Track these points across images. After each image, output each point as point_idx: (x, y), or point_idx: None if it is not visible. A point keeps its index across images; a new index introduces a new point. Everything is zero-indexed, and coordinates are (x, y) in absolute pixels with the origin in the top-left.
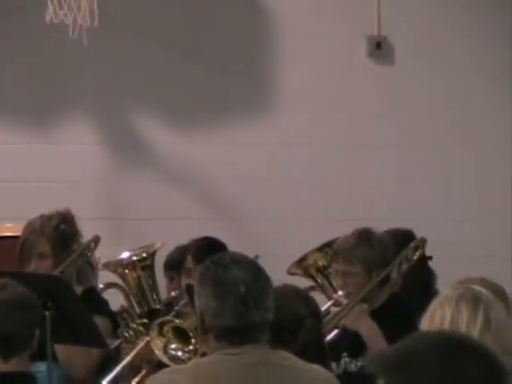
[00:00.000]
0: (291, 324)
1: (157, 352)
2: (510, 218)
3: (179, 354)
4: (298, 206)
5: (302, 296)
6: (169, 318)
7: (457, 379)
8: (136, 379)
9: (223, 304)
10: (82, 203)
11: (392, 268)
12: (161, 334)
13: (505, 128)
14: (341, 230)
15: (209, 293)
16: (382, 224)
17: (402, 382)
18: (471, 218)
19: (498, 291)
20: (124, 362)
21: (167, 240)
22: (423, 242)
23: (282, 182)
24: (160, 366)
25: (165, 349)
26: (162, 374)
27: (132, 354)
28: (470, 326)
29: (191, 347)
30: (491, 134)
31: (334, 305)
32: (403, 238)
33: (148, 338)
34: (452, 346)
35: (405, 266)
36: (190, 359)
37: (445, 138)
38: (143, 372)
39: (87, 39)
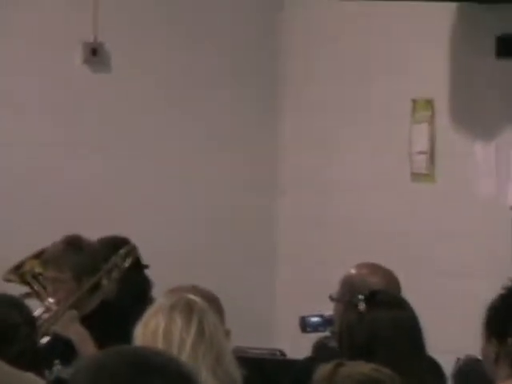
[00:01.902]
0: (5, 332)
1: None
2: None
3: None
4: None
5: (16, 304)
6: None
7: None
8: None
9: None
10: None
11: (102, 274)
12: None
13: (222, 131)
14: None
15: None
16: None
17: None
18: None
19: (211, 299)
20: None
21: None
22: (134, 248)
23: None
24: None
25: None
26: None
27: None
28: (183, 334)
29: None
30: (205, 138)
31: (45, 311)
32: (113, 245)
33: None
34: (141, 364)
35: (115, 273)
36: None
37: (159, 143)
38: None
39: None
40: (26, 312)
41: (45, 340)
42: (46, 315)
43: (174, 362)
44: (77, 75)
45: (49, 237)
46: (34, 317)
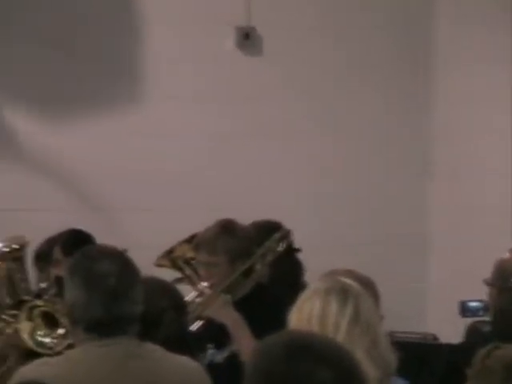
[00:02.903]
0: (152, 317)
1: (23, 336)
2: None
3: (46, 340)
4: (166, 197)
5: (164, 288)
6: (38, 302)
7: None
8: (3, 368)
9: (92, 296)
10: None
11: (255, 259)
12: (29, 318)
13: (373, 118)
14: (212, 220)
15: (78, 285)
16: (251, 215)
17: None
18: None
19: (366, 282)
20: None
21: (35, 231)
22: (288, 233)
23: (150, 173)
24: (28, 353)
25: (32, 334)
26: (29, 367)
27: None
28: (338, 318)
29: (59, 332)
30: (357, 125)
31: (198, 296)
32: (268, 229)
33: (17, 326)
34: (299, 348)
35: (269, 257)
36: (57, 345)
37: (311, 129)
38: (10, 360)
39: None
40: (174, 297)
41: (198, 324)
42: (198, 300)
43: (333, 344)
44: (229, 59)
45: (199, 221)
46: (183, 301)
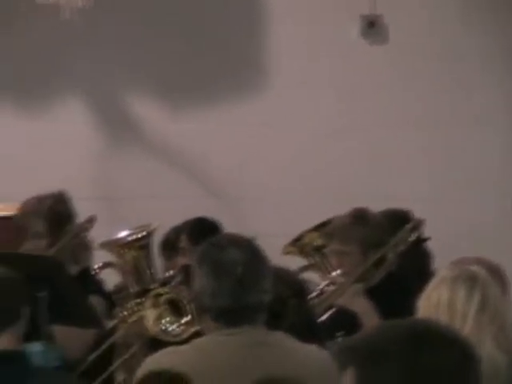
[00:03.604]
0: (276, 305)
1: (149, 324)
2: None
3: (172, 327)
4: (292, 184)
5: (285, 276)
6: (165, 289)
7: (426, 370)
8: (127, 355)
9: (220, 285)
10: (76, 183)
11: (388, 248)
12: (155, 305)
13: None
14: (339, 209)
15: (206, 273)
16: (378, 204)
17: (375, 374)
18: (466, 198)
19: (494, 270)
20: (111, 340)
21: (161, 219)
22: (420, 223)
23: (273, 160)
24: (153, 341)
25: (157, 321)
26: (158, 356)
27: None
28: (466, 306)
29: (185, 320)
30: (492, 114)
31: (330, 284)
32: (400, 219)
33: (142, 313)
34: (422, 336)
35: (401, 247)
36: (183, 333)
37: (443, 117)
38: (135, 348)
39: (80, 18)
40: (297, 284)
41: (329, 312)
42: (330, 288)
43: (453, 334)
44: (354, 48)
45: (326, 210)
46: (304, 289)
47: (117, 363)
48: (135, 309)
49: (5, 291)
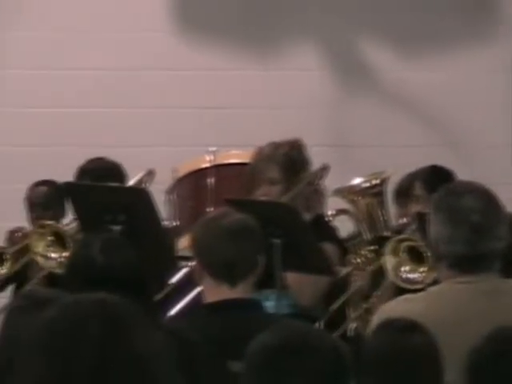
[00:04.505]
0: (509, 253)
1: (389, 270)
2: None
3: (413, 275)
4: None
5: None
6: (406, 236)
7: None
8: (365, 305)
9: (456, 232)
10: (309, 130)
11: None
12: (395, 253)
13: None
14: None
15: (442, 221)
16: None
17: None
18: None
19: None
20: (353, 289)
21: (393, 167)
22: None
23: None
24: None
25: (397, 269)
26: (395, 303)
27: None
28: None
29: (424, 268)
30: None
31: None
32: None
33: (380, 262)
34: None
35: None
36: (425, 279)
37: None
38: (374, 297)
39: None
40: None
41: None
42: None
43: None
44: None
45: None
46: None
47: (355, 313)
48: (369, 256)
49: (245, 239)
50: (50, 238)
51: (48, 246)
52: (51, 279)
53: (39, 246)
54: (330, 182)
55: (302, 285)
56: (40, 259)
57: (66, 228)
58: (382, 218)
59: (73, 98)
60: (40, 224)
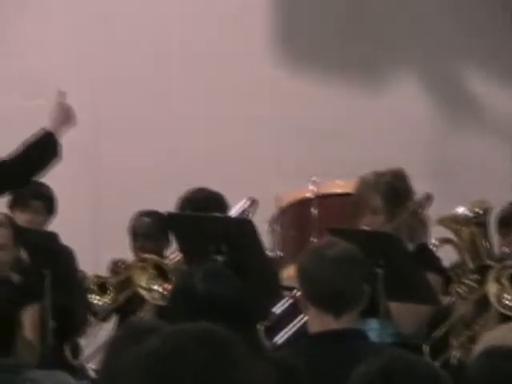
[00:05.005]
0: None
1: (492, 298)
2: None
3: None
4: None
5: None
6: (509, 264)
7: None
8: (468, 333)
9: None
10: (411, 159)
11: None
12: (498, 281)
13: None
14: None
15: None
16: None
17: None
18: None
19: None
20: (455, 317)
21: (497, 195)
22: None
23: None
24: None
25: (500, 297)
26: (498, 331)
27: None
28: None
29: None
30: None
31: None
32: None
33: (483, 291)
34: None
35: None
36: None
37: None
38: (477, 325)
39: None
40: None
41: None
42: None
43: None
44: None
45: None
46: None
47: (458, 342)
48: (472, 285)
49: (351, 269)
50: (152, 271)
51: (151, 279)
52: (159, 312)
53: (142, 280)
54: (433, 212)
55: (405, 314)
56: (143, 292)
57: (168, 261)
58: (484, 247)
59: None
60: (141, 258)
